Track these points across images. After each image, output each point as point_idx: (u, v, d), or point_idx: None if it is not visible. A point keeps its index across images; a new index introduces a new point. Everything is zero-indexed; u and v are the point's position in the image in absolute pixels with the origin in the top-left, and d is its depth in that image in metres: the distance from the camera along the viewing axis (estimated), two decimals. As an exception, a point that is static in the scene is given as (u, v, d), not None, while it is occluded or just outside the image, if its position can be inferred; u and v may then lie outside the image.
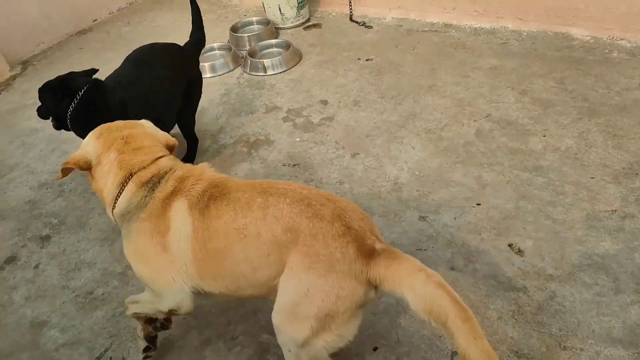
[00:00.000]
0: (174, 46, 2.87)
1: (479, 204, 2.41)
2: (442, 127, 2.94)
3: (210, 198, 1.56)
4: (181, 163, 1.74)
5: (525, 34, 3.69)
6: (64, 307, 2.29)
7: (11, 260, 2.59)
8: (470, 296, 2.00)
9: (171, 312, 1.70)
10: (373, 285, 1.41)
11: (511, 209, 2.35)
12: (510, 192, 2.44)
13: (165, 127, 2.40)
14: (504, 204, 2.39)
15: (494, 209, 2.37)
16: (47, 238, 2.69)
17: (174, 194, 1.60)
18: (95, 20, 5.27)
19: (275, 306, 1.49)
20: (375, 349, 1.88)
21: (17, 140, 3.56)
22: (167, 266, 1.59)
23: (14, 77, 4.39)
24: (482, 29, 3.86)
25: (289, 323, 1.47)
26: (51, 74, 4.36)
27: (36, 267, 2.53)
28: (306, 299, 1.40)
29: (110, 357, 2.04)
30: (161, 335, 2.06)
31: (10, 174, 3.23)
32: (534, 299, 1.96)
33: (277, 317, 1.49)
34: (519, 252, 2.15)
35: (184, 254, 1.56)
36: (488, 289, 2.02)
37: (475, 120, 2.94)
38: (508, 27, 3.79)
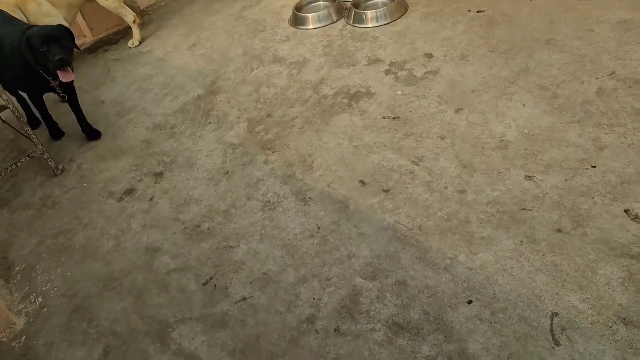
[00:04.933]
0: None
1: (594, 167, 2.24)
2: (558, 84, 2.73)
3: None
4: None
5: (663, -16, 3.29)
6: (174, 236, 2.49)
7: (130, 191, 2.84)
8: (577, 259, 1.89)
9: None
10: None
11: (631, 174, 2.16)
12: (632, 156, 2.24)
13: None
14: (624, 167, 2.20)
15: (611, 173, 2.19)
16: (160, 174, 2.91)
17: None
18: (206, -27, 5.43)
19: None
20: (469, 302, 1.86)
21: (134, 84, 3.83)
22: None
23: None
24: (612, -21, 3.48)
25: None
26: (166, 23, 4.65)
27: (151, 199, 2.75)
28: None
29: (215, 285, 2.19)
30: (259, 269, 2.19)
31: (129, 114, 3.50)
32: (650, 268, 1.82)
33: None
34: (636, 218, 1.99)
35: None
36: (597, 254, 1.90)
37: (597, 78, 2.70)
38: (643, -23, 3.39)
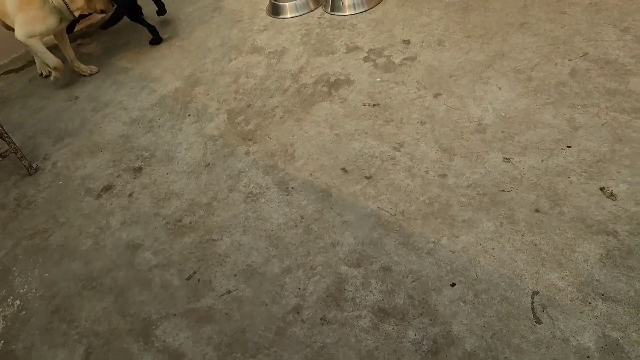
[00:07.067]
0: None
1: (570, 147, 2.28)
2: (532, 67, 2.76)
3: None
4: None
5: (633, -35, 3.33)
6: (156, 232, 2.47)
7: (108, 188, 2.80)
8: (555, 238, 1.93)
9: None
10: None
11: (605, 152, 2.21)
12: (606, 135, 2.28)
13: None
14: (598, 146, 2.24)
15: (586, 152, 2.23)
16: (139, 169, 2.88)
17: None
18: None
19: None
20: (453, 284, 1.88)
21: (109, 79, 3.76)
22: None
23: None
24: (583, -39, 3.52)
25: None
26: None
27: (130, 195, 2.72)
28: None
29: (199, 279, 2.18)
30: (243, 261, 2.19)
31: (104, 109, 3.44)
32: (625, 243, 1.86)
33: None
34: (612, 196, 2.03)
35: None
36: (574, 232, 1.94)
37: (570, 60, 2.74)
38: (613, -41, 3.43)
